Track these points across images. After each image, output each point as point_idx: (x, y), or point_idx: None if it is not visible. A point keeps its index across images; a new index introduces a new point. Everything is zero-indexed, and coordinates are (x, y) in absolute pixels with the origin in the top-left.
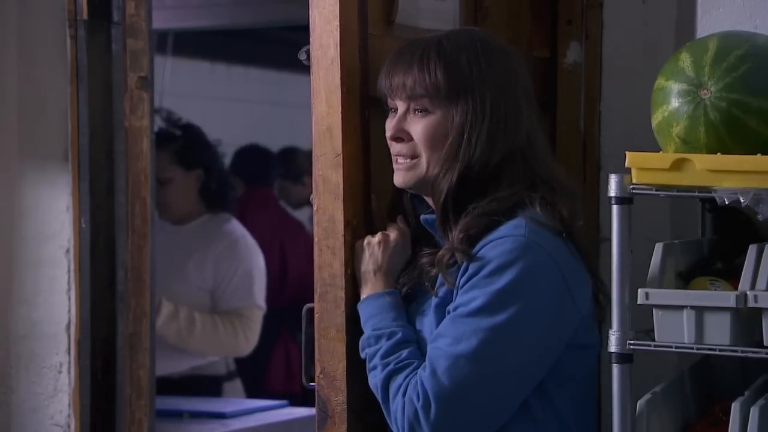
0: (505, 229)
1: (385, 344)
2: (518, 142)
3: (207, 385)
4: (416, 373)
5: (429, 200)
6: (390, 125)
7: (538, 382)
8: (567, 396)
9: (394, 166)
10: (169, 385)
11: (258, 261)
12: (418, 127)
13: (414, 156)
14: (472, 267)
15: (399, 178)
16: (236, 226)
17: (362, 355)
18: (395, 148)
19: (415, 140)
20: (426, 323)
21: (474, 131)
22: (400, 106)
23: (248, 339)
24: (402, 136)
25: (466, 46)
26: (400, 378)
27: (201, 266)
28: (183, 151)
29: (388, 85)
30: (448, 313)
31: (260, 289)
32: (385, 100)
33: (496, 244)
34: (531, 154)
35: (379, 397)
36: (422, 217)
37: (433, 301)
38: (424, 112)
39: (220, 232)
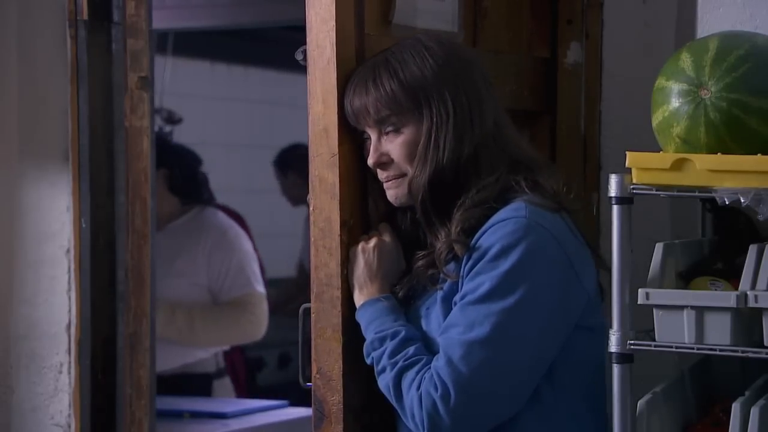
0: (504, 212)
1: (390, 344)
2: (486, 129)
3: (197, 382)
4: (429, 367)
5: None
6: (369, 154)
7: (548, 368)
8: (577, 381)
9: (385, 186)
10: (159, 383)
11: (248, 248)
12: (394, 147)
13: (401, 175)
14: (476, 253)
15: (392, 196)
16: (221, 218)
17: (368, 361)
18: (381, 174)
19: (396, 161)
20: (432, 320)
21: (441, 131)
22: (372, 132)
23: (254, 324)
24: (383, 160)
25: (412, 53)
26: (411, 373)
27: (192, 262)
28: None
29: (353, 114)
30: (455, 304)
31: (256, 275)
32: (357, 129)
33: (497, 228)
34: (501, 138)
35: (391, 396)
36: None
37: (438, 294)
38: (396, 131)
39: (206, 227)
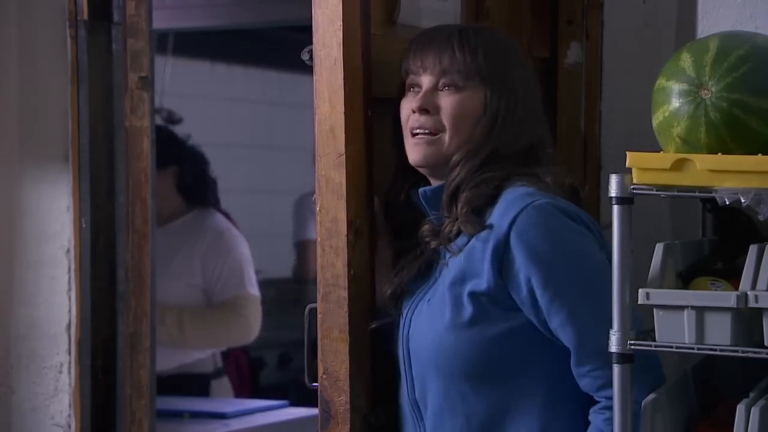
0: (517, 201)
1: None
2: (535, 138)
3: (194, 383)
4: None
5: (433, 180)
6: (416, 98)
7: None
8: None
9: (412, 141)
10: (157, 384)
11: (245, 251)
12: (447, 102)
13: (436, 131)
14: (535, 275)
15: (418, 154)
16: (219, 220)
17: None
18: (417, 120)
19: (441, 115)
20: (435, 305)
21: (507, 119)
22: (427, 81)
23: (244, 326)
24: (429, 108)
25: (501, 38)
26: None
27: (188, 263)
28: None
29: (419, 61)
30: (472, 294)
31: (251, 278)
32: (406, 78)
33: (524, 229)
34: (541, 148)
35: None
36: (420, 190)
37: (447, 278)
38: (454, 88)
39: (204, 228)
